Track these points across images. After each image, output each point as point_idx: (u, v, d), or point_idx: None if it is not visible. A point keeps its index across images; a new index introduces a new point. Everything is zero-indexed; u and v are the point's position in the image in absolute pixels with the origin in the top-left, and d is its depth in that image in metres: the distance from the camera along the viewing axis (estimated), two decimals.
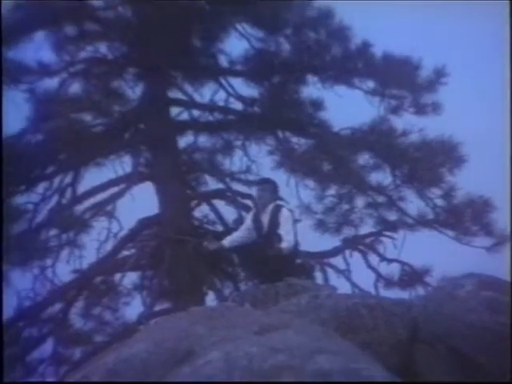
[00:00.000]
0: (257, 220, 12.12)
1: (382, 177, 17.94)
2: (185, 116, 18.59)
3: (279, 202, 12.33)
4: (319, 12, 17.70)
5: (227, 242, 12.63)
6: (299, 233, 12.57)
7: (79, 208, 17.86)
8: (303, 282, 13.26)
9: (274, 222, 11.93)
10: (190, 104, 18.50)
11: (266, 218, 11.98)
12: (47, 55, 17.57)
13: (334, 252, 17.89)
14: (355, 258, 17.95)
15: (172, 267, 16.99)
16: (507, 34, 13.00)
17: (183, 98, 18.49)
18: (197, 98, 18.47)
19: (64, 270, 17.69)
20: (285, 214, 12.11)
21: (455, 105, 18.47)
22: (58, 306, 17.66)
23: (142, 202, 17.91)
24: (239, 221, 17.52)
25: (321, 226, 17.80)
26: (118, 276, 18.01)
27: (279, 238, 11.98)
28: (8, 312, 17.48)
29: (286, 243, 11.82)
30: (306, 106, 18.12)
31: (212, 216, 18.30)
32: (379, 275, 17.82)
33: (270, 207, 12.01)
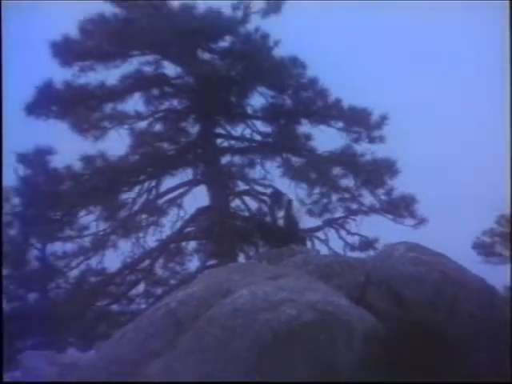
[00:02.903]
0: (274, 218, 12.30)
1: (348, 181, 18.05)
2: (225, 144, 18.52)
3: (290, 199, 12.59)
4: (308, 79, 17.73)
5: None
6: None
7: (160, 201, 17.92)
8: (299, 247, 13.33)
9: (290, 209, 12.16)
10: (228, 136, 18.45)
11: (281, 216, 12.14)
12: (140, 107, 17.68)
13: (318, 228, 17.93)
14: (331, 233, 18.02)
15: (217, 238, 17.09)
16: (507, 33, 10.39)
17: (224, 132, 18.42)
18: (233, 132, 18.44)
19: (151, 239, 17.75)
20: (294, 205, 12.36)
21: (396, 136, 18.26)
22: (147, 262, 17.73)
23: (199, 198, 17.88)
24: (259, 210, 17.67)
25: (310, 212, 17.83)
26: (184, 243, 18.09)
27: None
28: (116, 266, 17.68)
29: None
30: (300, 138, 18.11)
31: (242, 206, 18.27)
32: (346, 243, 17.88)
33: (285, 205, 12.16)
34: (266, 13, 17.47)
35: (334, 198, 18.03)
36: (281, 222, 12.32)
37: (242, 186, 18.39)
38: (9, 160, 16.93)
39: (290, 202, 12.36)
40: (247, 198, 18.24)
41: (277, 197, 12.74)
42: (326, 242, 17.75)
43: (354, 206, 18.00)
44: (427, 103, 23.21)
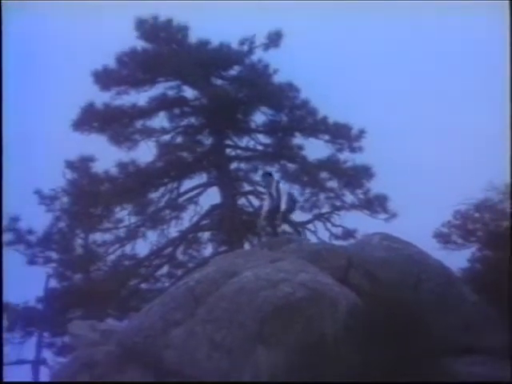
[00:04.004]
0: (270, 193, 11.92)
1: (333, 183, 17.88)
2: (233, 153, 18.41)
3: (278, 180, 12.35)
4: (301, 100, 17.70)
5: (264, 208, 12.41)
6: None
7: (180, 199, 17.80)
8: (293, 236, 13.38)
9: (278, 190, 11.74)
10: (235, 147, 18.36)
11: (273, 190, 11.73)
12: (165, 123, 17.70)
13: (309, 221, 17.83)
14: (319, 225, 17.93)
15: (227, 229, 17.04)
16: (507, 33, 9.17)
17: (232, 144, 18.32)
18: (239, 144, 18.33)
19: (173, 230, 17.67)
20: (282, 185, 12.07)
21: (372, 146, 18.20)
22: (170, 249, 17.61)
23: (212, 197, 17.82)
24: (261, 207, 17.59)
25: (302, 208, 17.62)
26: (200, 234, 17.97)
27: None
28: (145, 252, 17.48)
29: (284, 205, 11.62)
30: (294, 148, 17.98)
31: (247, 204, 18.20)
32: (331, 233, 17.74)
33: (274, 184, 11.87)
34: (266, 47, 17.57)
35: (322, 196, 17.91)
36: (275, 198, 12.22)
37: (246, 187, 18.32)
38: (59, 166, 17.22)
39: (277, 181, 12.25)
40: (251, 197, 18.19)
41: (266, 175, 12.62)
42: (315, 232, 17.67)
43: (338, 203, 17.89)
44: (399, 119, 23.07)
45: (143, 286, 17.34)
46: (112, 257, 17.29)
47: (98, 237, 17.41)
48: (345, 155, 17.73)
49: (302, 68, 18.30)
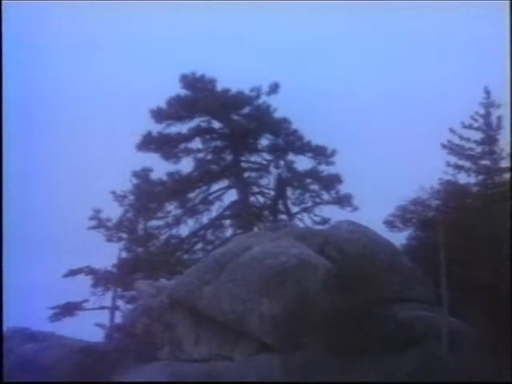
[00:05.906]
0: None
1: (314, 186, 17.64)
2: (246, 166, 18.15)
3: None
4: (292, 130, 17.57)
5: None
6: None
7: (210, 197, 17.62)
8: (287, 222, 13.45)
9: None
10: (248, 162, 18.16)
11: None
12: (199, 145, 17.61)
13: (297, 213, 17.50)
14: (305, 215, 17.68)
15: (242, 218, 17.02)
16: (507, 33, 7.04)
17: (245, 159, 18.12)
18: (250, 159, 18.15)
19: (205, 218, 17.47)
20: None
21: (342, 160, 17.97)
22: (202, 231, 17.49)
23: (231, 195, 17.67)
24: (265, 205, 17.61)
25: (293, 203, 17.39)
26: (223, 221, 17.85)
27: None
28: (185, 233, 17.30)
29: None
30: (288, 162, 17.77)
31: (255, 200, 17.96)
32: (313, 220, 17.54)
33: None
34: (268, 93, 17.49)
35: (307, 195, 17.75)
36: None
37: (255, 189, 18.15)
38: (127, 175, 17.28)
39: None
40: (258, 196, 18.08)
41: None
42: (302, 220, 17.55)
43: (318, 200, 17.75)
44: (366, 139, 22.40)
45: (185, 256, 17.36)
46: (163, 237, 17.40)
47: (153, 223, 17.55)
48: (322, 167, 17.62)
49: (293, 108, 18.34)
